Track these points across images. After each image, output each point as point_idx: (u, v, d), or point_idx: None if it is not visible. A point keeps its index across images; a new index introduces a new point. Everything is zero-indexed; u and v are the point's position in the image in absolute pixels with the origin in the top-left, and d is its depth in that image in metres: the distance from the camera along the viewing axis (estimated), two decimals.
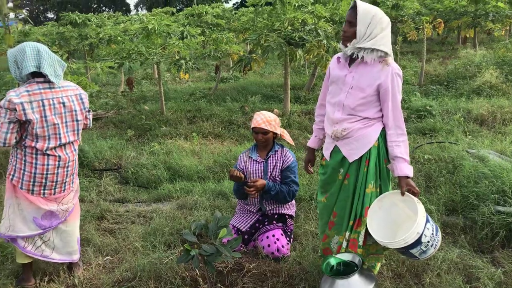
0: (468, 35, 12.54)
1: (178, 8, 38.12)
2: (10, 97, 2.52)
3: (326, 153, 2.59)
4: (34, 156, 2.66)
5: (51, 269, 2.99)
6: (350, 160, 2.44)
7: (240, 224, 3.27)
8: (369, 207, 2.41)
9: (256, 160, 3.28)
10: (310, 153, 2.86)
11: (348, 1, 8.61)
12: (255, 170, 3.24)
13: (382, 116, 2.41)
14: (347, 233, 2.49)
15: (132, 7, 55.54)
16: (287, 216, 3.29)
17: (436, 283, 2.58)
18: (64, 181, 2.81)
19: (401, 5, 10.92)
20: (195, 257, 2.44)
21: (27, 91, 2.56)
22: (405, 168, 2.31)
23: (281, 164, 3.23)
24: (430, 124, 5.84)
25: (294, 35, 6.35)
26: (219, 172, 4.83)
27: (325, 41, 6.59)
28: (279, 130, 3.27)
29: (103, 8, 52.47)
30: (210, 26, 13.08)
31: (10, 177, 2.70)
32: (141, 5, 53.65)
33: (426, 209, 3.39)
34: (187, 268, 2.88)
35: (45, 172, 2.69)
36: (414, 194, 2.32)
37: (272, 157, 3.25)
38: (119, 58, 6.63)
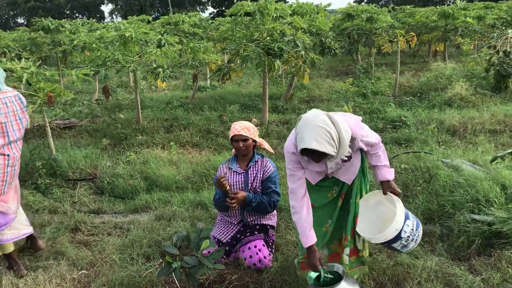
0: (438, 49, 12.97)
1: (154, 16, 37.89)
2: None
3: (314, 180, 2.62)
4: (5, 157, 2.81)
5: (21, 285, 2.85)
6: (350, 183, 2.59)
7: (221, 235, 3.22)
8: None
9: (236, 171, 3.24)
10: (315, 250, 2.41)
11: (323, 13, 8.77)
12: (236, 181, 3.21)
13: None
14: (346, 249, 2.61)
15: (106, 14, 54.65)
16: (268, 227, 3.26)
17: None
18: (11, 180, 2.90)
19: (375, 18, 11.25)
20: (177, 269, 2.38)
21: None
22: (386, 173, 2.52)
23: (261, 175, 3.21)
24: (405, 134, 5.97)
25: (273, 45, 6.40)
26: (198, 182, 4.76)
27: (303, 52, 6.67)
28: (258, 139, 3.26)
29: (76, 14, 51.54)
30: (187, 35, 13.03)
31: None
32: (116, 13, 53.03)
33: None
34: (167, 281, 2.81)
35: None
36: (395, 194, 2.49)
37: (253, 167, 3.23)
38: (94, 66, 6.48)
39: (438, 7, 14.42)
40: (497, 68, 7.96)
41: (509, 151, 2.64)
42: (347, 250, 2.61)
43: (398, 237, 2.34)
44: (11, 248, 3.10)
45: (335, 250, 2.72)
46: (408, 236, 2.38)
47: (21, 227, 3.16)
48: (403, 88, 9.28)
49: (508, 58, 7.96)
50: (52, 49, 10.07)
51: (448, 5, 14.89)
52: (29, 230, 3.25)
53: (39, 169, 4.88)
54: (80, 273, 3.08)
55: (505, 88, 8.04)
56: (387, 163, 2.54)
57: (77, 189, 4.77)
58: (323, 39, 8.57)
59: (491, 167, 4.15)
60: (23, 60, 5.04)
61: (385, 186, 2.51)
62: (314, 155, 2.15)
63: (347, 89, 9.31)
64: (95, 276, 3.01)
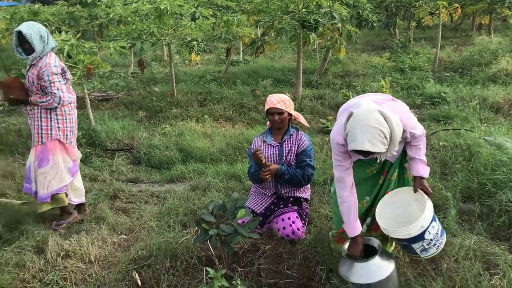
0: (483, 22, 12.27)
1: None
2: (57, 63, 3.21)
3: (354, 157, 2.51)
4: (71, 110, 3.38)
5: (66, 246, 3.01)
6: (393, 161, 2.52)
7: (255, 206, 3.26)
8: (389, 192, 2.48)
9: (270, 144, 3.24)
10: (359, 241, 2.41)
11: None
12: (270, 154, 3.21)
13: None
14: (369, 218, 2.52)
15: None
16: (302, 199, 3.27)
17: (454, 269, 2.56)
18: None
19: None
20: (213, 237, 2.43)
21: (55, 58, 3.24)
22: (421, 169, 2.40)
23: (296, 148, 3.20)
24: (445, 111, 5.76)
25: (309, 17, 6.24)
26: (232, 154, 4.81)
27: (340, 25, 6.47)
28: (294, 112, 3.23)
29: None
30: (220, 8, 12.90)
31: (50, 137, 3.27)
32: None
33: (442, 196, 3.39)
34: (202, 248, 2.89)
35: (75, 124, 3.45)
36: (426, 194, 2.39)
37: (287, 141, 3.22)
38: (130, 39, 6.56)
39: None
40: None
41: None
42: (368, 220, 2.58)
43: (421, 236, 2.23)
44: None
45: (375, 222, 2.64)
46: (431, 240, 2.26)
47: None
48: (444, 63, 8.89)
49: None
50: (89, 22, 10.25)
51: None
52: (83, 198, 3.66)
53: (80, 138, 5.06)
54: (120, 237, 3.21)
55: None
56: (425, 159, 2.43)
57: (115, 158, 4.93)
58: (360, 11, 8.28)
59: None
60: (63, 33, 5.17)
61: (418, 183, 2.40)
62: (364, 154, 2.09)
63: (383, 64, 9.02)
64: (134, 241, 3.14)
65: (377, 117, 2.03)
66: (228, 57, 9.22)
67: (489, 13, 11.00)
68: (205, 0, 13.09)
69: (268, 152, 3.22)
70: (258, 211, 3.21)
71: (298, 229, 3.02)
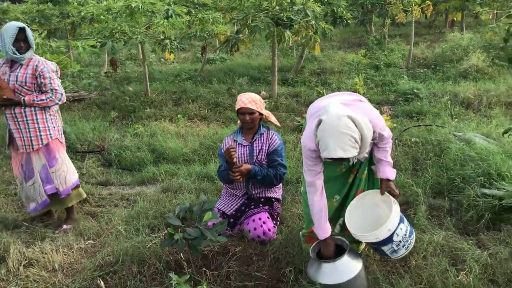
0: (455, 19, 12.50)
1: None
2: (50, 62, 3.23)
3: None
4: (56, 111, 3.36)
5: (29, 254, 2.90)
6: (363, 160, 2.52)
7: (225, 208, 3.21)
8: (362, 190, 2.50)
9: (241, 144, 3.20)
10: (330, 242, 2.43)
11: None
12: (241, 154, 3.17)
13: None
14: (341, 219, 2.52)
15: None
16: (273, 200, 3.24)
17: (422, 265, 2.57)
18: None
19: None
20: (179, 240, 2.38)
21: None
22: (388, 172, 2.40)
23: (267, 147, 3.16)
24: (417, 107, 5.83)
25: (282, 15, 6.21)
26: (205, 154, 4.75)
27: (313, 22, 6.47)
28: (265, 112, 3.19)
29: None
30: (196, 5, 12.76)
31: (50, 138, 3.24)
32: None
33: (413, 192, 3.41)
34: (171, 252, 2.82)
35: (61, 122, 3.48)
36: (393, 196, 2.40)
37: (258, 140, 3.18)
38: (101, 37, 6.40)
39: None
40: None
41: None
42: (340, 220, 2.59)
43: (389, 239, 2.24)
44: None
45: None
46: (400, 241, 2.28)
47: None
48: (417, 59, 9.02)
49: None
50: (60, 21, 9.97)
51: None
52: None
53: None
54: (86, 243, 3.12)
55: None
56: (391, 161, 2.44)
57: (86, 161, 4.80)
58: (335, 8, 8.30)
59: (505, 140, 4.03)
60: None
61: (384, 185, 2.41)
62: (337, 160, 2.10)
63: (359, 61, 9.08)
64: (101, 246, 3.05)
65: (346, 122, 2.01)
66: (204, 55, 9.13)
67: (461, 10, 11.23)
68: None
69: (238, 151, 3.18)
70: (229, 213, 3.17)
71: (269, 230, 2.99)
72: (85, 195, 3.60)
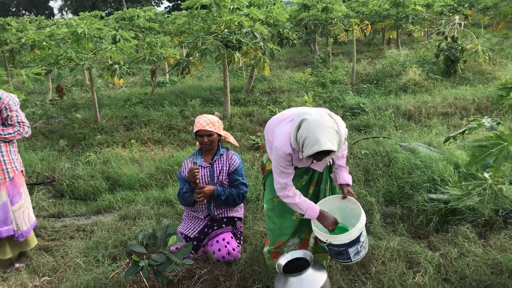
0: (391, 36, 13.41)
1: (107, 12, 36.59)
2: (12, 94, 3.15)
3: None
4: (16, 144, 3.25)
5: None
6: (321, 171, 2.60)
7: (188, 231, 3.20)
8: None
9: (201, 165, 3.22)
10: (325, 213, 2.50)
11: (279, 4, 8.82)
12: (202, 175, 3.19)
13: None
14: (313, 233, 2.59)
15: (56, 11, 52.16)
16: (236, 219, 3.27)
17: (382, 271, 2.70)
18: None
19: (330, 8, 11.44)
20: (145, 268, 2.35)
21: None
22: (346, 177, 2.56)
23: (227, 168, 3.21)
24: (364, 121, 6.15)
25: (231, 37, 6.37)
26: (162, 179, 4.69)
27: (261, 43, 6.68)
28: (223, 132, 3.25)
29: (23, 12, 48.86)
30: (143, 30, 12.70)
31: (16, 171, 3.13)
32: (66, 9, 50.73)
33: (367, 202, 3.59)
34: (135, 280, 2.76)
35: None
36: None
37: (218, 161, 3.22)
38: (46, 64, 6.19)
39: None
40: (446, 53, 8.33)
41: (460, 131, 2.77)
42: (313, 234, 2.63)
43: (357, 239, 2.34)
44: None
45: (305, 239, 2.73)
46: (363, 241, 2.40)
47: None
48: (360, 76, 9.52)
49: (455, 44, 8.35)
50: None
51: None
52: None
53: None
54: (42, 280, 2.97)
55: (454, 72, 8.44)
56: (348, 167, 2.61)
57: (35, 193, 4.57)
58: (280, 30, 8.62)
59: (445, 148, 4.36)
60: None
61: (345, 189, 2.53)
62: (322, 155, 2.15)
63: (306, 79, 9.43)
64: (59, 282, 2.92)
65: (328, 118, 2.16)
66: (153, 79, 9.07)
67: (396, 28, 12.06)
68: (127, 22, 12.83)
69: (199, 173, 3.19)
70: (192, 235, 3.15)
71: (234, 249, 3.01)
72: (36, 241, 3.39)
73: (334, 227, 2.47)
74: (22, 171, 3.25)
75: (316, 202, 2.62)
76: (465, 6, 13.80)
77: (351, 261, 2.44)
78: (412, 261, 2.82)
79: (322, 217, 2.46)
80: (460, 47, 8.28)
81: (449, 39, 8.46)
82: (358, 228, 2.33)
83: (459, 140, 4.25)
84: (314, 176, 2.64)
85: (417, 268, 2.72)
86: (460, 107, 6.47)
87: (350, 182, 2.57)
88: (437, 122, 5.87)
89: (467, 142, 4.39)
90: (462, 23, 8.85)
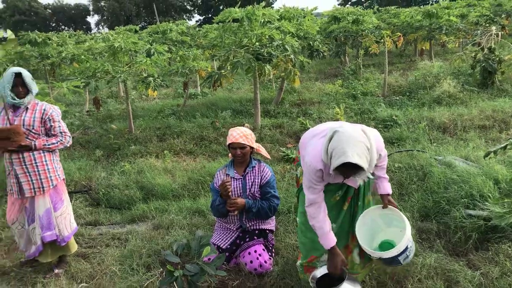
0: (424, 48, 13.15)
1: (140, 26, 37.83)
2: (55, 106, 3.30)
3: None
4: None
5: None
6: (356, 187, 2.57)
7: (220, 242, 3.22)
8: None
9: (234, 177, 3.25)
10: (337, 252, 2.44)
11: (310, 16, 8.85)
12: (234, 187, 3.22)
13: None
14: (356, 249, 2.60)
15: (92, 26, 54.46)
16: (267, 231, 3.27)
17: None
18: None
19: (361, 20, 11.38)
20: (179, 278, 2.38)
21: None
22: (387, 187, 2.57)
23: (259, 180, 3.22)
24: (397, 133, 6.04)
25: (262, 50, 6.44)
26: (194, 189, 4.76)
27: (292, 56, 6.72)
28: (255, 145, 3.27)
29: (63, 27, 51.25)
30: (175, 43, 13.04)
31: (59, 178, 3.29)
32: (102, 24, 52.88)
33: None
34: None
35: None
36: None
37: (250, 173, 3.24)
38: (84, 77, 6.46)
39: (421, 7, 14.62)
40: (483, 64, 8.10)
41: (503, 145, 2.69)
42: (357, 250, 2.62)
43: (406, 248, 2.36)
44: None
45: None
46: (410, 247, 2.41)
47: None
48: (392, 87, 9.37)
49: (493, 55, 8.10)
50: (40, 62, 10.01)
51: (431, 4, 15.11)
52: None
53: None
54: (80, 286, 3.05)
55: (491, 84, 8.18)
56: (388, 177, 2.60)
57: (73, 201, 4.72)
58: (311, 42, 8.65)
59: (483, 162, 4.22)
60: None
61: (386, 199, 2.54)
62: (349, 170, 2.10)
63: (336, 91, 9.38)
64: None
65: (361, 133, 2.14)
66: (186, 91, 9.26)
67: (429, 39, 11.84)
68: (160, 36, 13.23)
69: (232, 185, 3.22)
70: (224, 247, 3.17)
71: (266, 262, 3.01)
72: (76, 247, 3.53)
73: (339, 271, 2.39)
74: (63, 179, 3.40)
75: (352, 219, 2.61)
76: (502, 16, 13.41)
77: (402, 264, 2.44)
78: (450, 280, 2.73)
79: (332, 253, 2.41)
80: (497, 58, 8.03)
81: (485, 50, 8.23)
82: (406, 240, 2.33)
83: (499, 154, 4.10)
84: (349, 192, 2.60)
85: (456, 287, 2.62)
86: (499, 120, 6.25)
87: (390, 192, 2.57)
88: (474, 135, 5.69)
89: (508, 157, 4.23)
90: (499, 33, 8.60)
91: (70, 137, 3.32)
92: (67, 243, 3.33)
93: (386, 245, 2.52)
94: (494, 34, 8.46)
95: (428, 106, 7.50)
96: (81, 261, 3.45)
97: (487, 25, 11.58)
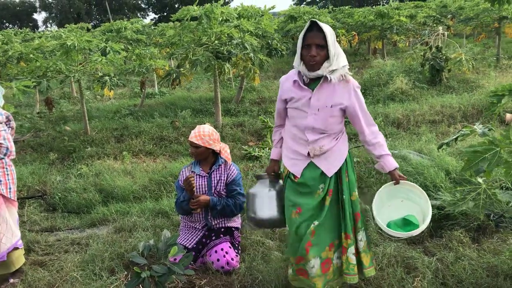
0: (377, 47, 13.67)
1: (92, 24, 36.49)
2: (1, 111, 3.01)
3: (296, 170, 2.46)
4: (12, 164, 3.08)
5: None
6: (329, 175, 2.41)
7: (186, 242, 3.19)
8: (359, 213, 2.50)
9: (199, 175, 3.23)
10: (275, 164, 2.67)
11: (268, 15, 8.92)
12: (199, 184, 3.20)
13: (345, 127, 2.59)
14: (351, 248, 2.45)
15: (40, 23, 51.72)
16: (233, 229, 3.28)
17: (381, 277, 2.74)
18: None
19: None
20: (146, 279, 2.33)
21: None
22: (392, 162, 2.46)
23: (225, 178, 3.22)
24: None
25: (222, 48, 6.42)
26: (156, 190, 4.67)
27: (252, 54, 6.75)
28: (218, 146, 3.23)
29: (7, 24, 48.38)
30: (131, 41, 12.68)
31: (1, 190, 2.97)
32: (50, 21, 50.46)
33: (361, 209, 3.62)
34: None
35: (15, 175, 3.16)
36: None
37: (216, 171, 3.23)
38: (35, 77, 6.15)
39: (374, 7, 15.17)
40: (431, 62, 8.54)
41: (454, 137, 2.85)
42: (352, 249, 2.44)
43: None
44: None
45: (326, 257, 2.44)
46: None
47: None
48: None
49: (440, 53, 8.56)
50: None
51: (382, 5, 15.72)
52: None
53: None
54: None
55: (439, 81, 8.64)
56: (389, 152, 2.48)
57: (26, 207, 4.50)
58: (269, 41, 8.72)
59: (435, 155, 4.45)
60: None
61: (396, 174, 2.45)
62: (315, 37, 2.28)
63: None
64: None
65: None
66: (143, 90, 9.06)
67: (381, 38, 12.32)
68: (114, 34, 12.81)
69: (197, 182, 3.20)
70: (190, 246, 3.15)
71: (232, 259, 3.01)
72: (23, 261, 3.19)
73: (270, 174, 2.65)
74: (2, 194, 3.01)
75: (334, 216, 2.47)
76: (448, 17, 14.19)
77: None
78: (409, 267, 2.86)
79: (270, 162, 2.69)
80: (444, 57, 8.49)
81: (433, 49, 8.68)
82: (427, 223, 2.35)
83: (450, 146, 4.34)
84: (330, 185, 2.43)
85: (415, 273, 2.76)
86: (447, 114, 6.62)
87: (397, 165, 2.49)
88: (425, 129, 5.99)
89: (461, 148, 4.48)
90: (446, 33, 9.09)
91: (7, 147, 2.96)
92: (6, 261, 3.01)
93: (404, 222, 2.50)
94: (441, 33, 8.94)
95: (382, 102, 7.80)
96: (38, 269, 3.28)
97: (434, 25, 12.22)
